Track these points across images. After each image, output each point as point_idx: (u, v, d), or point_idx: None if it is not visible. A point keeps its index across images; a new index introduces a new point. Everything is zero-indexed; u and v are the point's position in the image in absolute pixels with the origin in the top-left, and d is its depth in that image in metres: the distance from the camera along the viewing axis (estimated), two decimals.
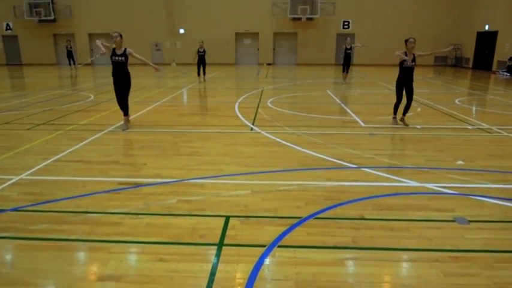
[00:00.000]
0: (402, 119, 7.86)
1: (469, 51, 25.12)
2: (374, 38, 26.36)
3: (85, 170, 5.17)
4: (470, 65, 24.75)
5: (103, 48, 7.08)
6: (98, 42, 7.29)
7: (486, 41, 23.26)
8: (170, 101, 11.26)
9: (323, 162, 5.50)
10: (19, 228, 3.60)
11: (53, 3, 26.98)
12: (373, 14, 26.16)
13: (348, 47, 15.50)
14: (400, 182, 4.76)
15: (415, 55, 7.63)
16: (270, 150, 6.08)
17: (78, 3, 27.11)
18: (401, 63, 7.60)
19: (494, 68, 22.06)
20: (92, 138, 6.85)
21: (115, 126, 7.78)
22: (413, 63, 7.59)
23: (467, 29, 25.03)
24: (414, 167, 5.31)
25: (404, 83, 7.68)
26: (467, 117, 8.84)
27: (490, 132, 7.43)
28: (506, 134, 7.31)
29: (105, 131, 7.37)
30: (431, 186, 4.63)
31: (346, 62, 15.66)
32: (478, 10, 24.00)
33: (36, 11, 26.95)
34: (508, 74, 19.83)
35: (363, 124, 8.04)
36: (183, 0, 26.71)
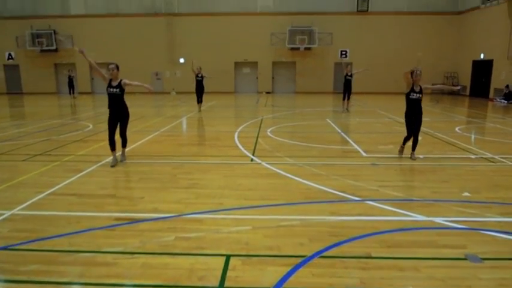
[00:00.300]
0: (411, 155, 7.48)
1: (465, 79, 25.41)
2: (371, 66, 26.52)
3: (80, 205, 5.00)
4: (467, 93, 24.98)
5: (84, 52, 7.12)
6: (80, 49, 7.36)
7: (482, 69, 23.57)
8: (169, 130, 11.19)
9: (326, 194, 5.35)
10: (8, 270, 3.40)
11: (55, 33, 27.46)
12: (369, 43, 26.63)
13: (349, 73, 15.36)
14: (406, 216, 4.60)
15: (422, 87, 7.32)
16: (271, 182, 5.93)
17: (79, 33, 27.58)
18: (407, 94, 7.30)
19: (491, 95, 22.24)
20: (89, 169, 6.71)
21: (112, 157, 7.64)
22: (419, 95, 7.25)
23: (463, 57, 25.44)
24: (420, 200, 5.15)
25: (412, 116, 7.31)
26: (469, 146, 8.76)
27: (493, 162, 7.32)
28: (510, 163, 7.19)
29: (103, 162, 7.24)
30: (439, 220, 4.46)
31: (347, 89, 15.41)
32: (472, 39, 24.46)
33: (38, 41, 27.38)
34: (506, 101, 19.96)
35: (364, 154, 7.92)
36: (183, 30, 27.22)
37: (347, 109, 15.76)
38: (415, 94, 7.25)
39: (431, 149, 8.47)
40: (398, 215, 4.61)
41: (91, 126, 11.85)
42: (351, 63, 15.91)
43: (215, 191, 5.55)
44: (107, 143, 9.07)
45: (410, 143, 7.53)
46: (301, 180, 5.98)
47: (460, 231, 4.19)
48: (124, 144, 7.34)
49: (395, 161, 7.41)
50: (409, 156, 7.52)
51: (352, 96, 16.42)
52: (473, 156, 7.73)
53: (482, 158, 7.65)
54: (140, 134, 10.32)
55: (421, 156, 7.71)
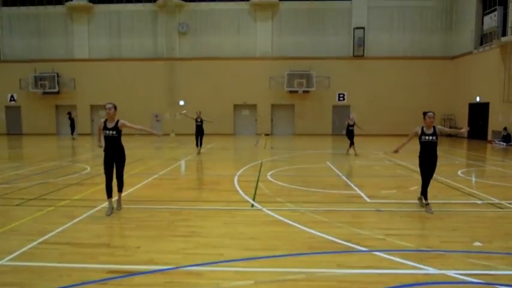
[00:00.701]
0: (419, 199, 7.20)
1: (462, 122, 25.65)
2: (369, 108, 27.09)
3: (72, 255, 4.74)
4: (465, 135, 25.11)
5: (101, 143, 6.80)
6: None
7: (479, 112, 23.86)
8: (168, 173, 11.02)
9: (330, 244, 5.11)
10: None
11: (58, 76, 27.98)
12: (366, 86, 27.15)
13: (351, 123, 15.53)
14: (417, 268, 4.35)
15: (436, 128, 6.92)
16: (273, 231, 5.70)
17: (82, 76, 28.11)
18: (420, 137, 7.01)
19: (489, 137, 22.34)
20: (84, 215, 6.47)
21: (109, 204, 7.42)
22: (433, 137, 6.85)
23: (459, 100, 25.83)
24: (430, 250, 4.91)
25: (426, 159, 6.92)
26: (474, 191, 8.59)
27: (501, 208, 7.13)
28: None
29: (99, 207, 7.01)
30: (452, 273, 4.21)
31: (350, 138, 15.53)
32: (467, 83, 24.97)
33: (41, 84, 27.83)
34: (505, 144, 20.01)
35: (368, 199, 7.73)
36: (184, 73, 27.79)
37: (355, 154, 15.45)
38: (426, 137, 6.89)
39: (436, 194, 8.27)
40: (409, 268, 4.36)
41: (89, 168, 11.68)
42: (353, 115, 16.24)
43: (215, 239, 5.31)
44: (103, 186, 8.92)
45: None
46: (304, 228, 5.75)
47: (476, 285, 3.94)
48: (120, 189, 6.94)
49: (399, 206, 7.21)
50: (418, 199, 7.23)
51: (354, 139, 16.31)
52: (479, 202, 7.55)
53: (488, 203, 7.46)
54: (138, 177, 10.14)
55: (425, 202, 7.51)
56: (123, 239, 5.47)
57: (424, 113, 7.04)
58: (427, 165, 6.93)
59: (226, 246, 5.03)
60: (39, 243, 5.16)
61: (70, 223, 6.04)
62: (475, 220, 6.33)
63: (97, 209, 6.92)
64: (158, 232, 5.61)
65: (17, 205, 7.23)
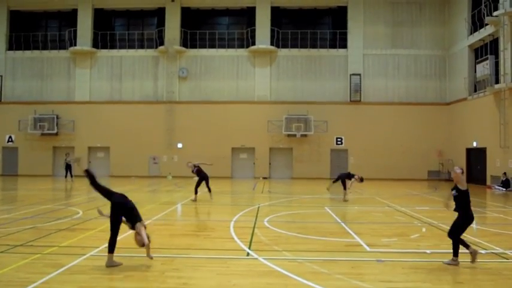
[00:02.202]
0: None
1: (461, 166, 25.56)
2: (367, 153, 27.14)
3: None
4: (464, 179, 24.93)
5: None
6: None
7: (476, 157, 23.88)
8: (162, 218, 10.72)
9: None
10: None
11: (57, 118, 28.19)
12: (364, 130, 27.36)
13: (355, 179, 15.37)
14: None
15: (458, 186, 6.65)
16: (269, 283, 5.39)
17: (81, 118, 28.34)
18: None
19: (488, 182, 22.19)
20: (71, 264, 6.16)
21: (99, 249, 7.12)
22: (456, 192, 6.65)
23: (456, 145, 25.96)
24: None
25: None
26: (476, 239, 8.30)
27: (506, 258, 6.85)
28: None
29: (87, 255, 6.70)
30: None
31: (343, 184, 15.43)
32: (463, 128, 25.22)
33: (40, 125, 27.97)
34: (504, 189, 19.83)
35: (367, 248, 7.44)
36: (183, 116, 28.06)
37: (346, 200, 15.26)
38: (453, 191, 6.70)
39: (437, 243, 8.01)
40: None
41: (81, 213, 11.37)
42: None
43: None
44: (94, 232, 8.64)
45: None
46: (301, 280, 5.45)
47: None
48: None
49: (401, 256, 6.92)
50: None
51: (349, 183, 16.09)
52: (483, 252, 7.26)
53: (492, 253, 7.18)
54: None
55: (428, 251, 7.25)
56: None
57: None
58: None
59: None
60: None
61: (55, 273, 5.73)
62: (481, 272, 6.04)
63: (85, 256, 6.61)
64: (147, 284, 5.31)
65: (1, 252, 6.91)
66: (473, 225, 10.49)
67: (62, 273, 5.74)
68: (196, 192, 14.47)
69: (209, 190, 14.53)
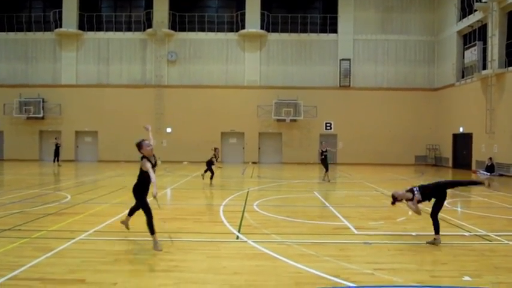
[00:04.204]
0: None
1: (447, 151, 26.05)
2: (356, 137, 27.39)
3: None
4: (450, 164, 25.44)
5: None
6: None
7: (462, 142, 24.29)
8: (152, 203, 10.68)
9: (318, 280, 4.91)
10: None
11: (43, 102, 27.66)
12: (353, 116, 27.52)
13: (324, 150, 16.59)
14: None
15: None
16: (258, 265, 5.47)
17: (68, 102, 27.85)
18: None
19: (473, 167, 22.63)
20: (60, 248, 6.14)
21: (88, 233, 7.12)
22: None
23: (443, 130, 26.32)
24: (420, 286, 4.75)
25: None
26: (461, 222, 8.52)
27: (489, 240, 7.05)
28: (506, 242, 6.93)
29: (76, 239, 6.69)
30: None
31: (324, 164, 16.46)
32: (451, 114, 25.55)
33: (25, 109, 27.43)
34: (488, 174, 20.23)
35: (355, 231, 7.57)
36: (172, 101, 27.80)
37: (328, 179, 16.23)
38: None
39: (423, 225, 8.17)
40: None
41: (69, 197, 11.29)
42: (325, 143, 17.84)
43: (197, 275, 5.06)
44: (83, 216, 8.60)
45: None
46: (290, 262, 5.55)
47: None
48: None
49: (387, 239, 7.07)
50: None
51: (339, 167, 16.47)
52: (467, 234, 7.47)
53: (476, 235, 7.39)
54: (120, 206, 9.80)
55: (413, 234, 7.42)
56: (99, 274, 5.15)
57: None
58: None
59: (208, 282, 4.79)
60: (8, 279, 4.83)
61: (44, 256, 5.71)
62: (464, 253, 6.22)
63: (74, 240, 6.60)
64: (137, 267, 5.34)
65: None
66: (459, 208, 10.76)
67: (52, 257, 5.73)
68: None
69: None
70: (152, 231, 6.15)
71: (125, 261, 5.55)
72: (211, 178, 14.76)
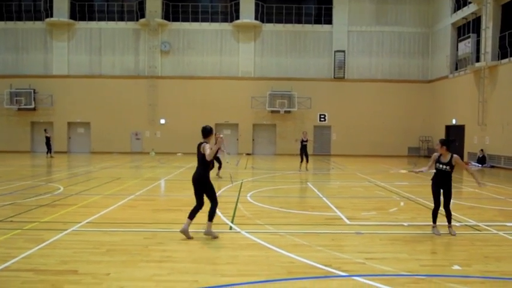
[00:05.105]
0: (449, 230, 6.79)
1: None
2: (350, 129, 27.48)
3: (35, 284, 4.43)
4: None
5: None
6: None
7: (455, 134, 24.47)
8: (145, 194, 10.70)
9: (310, 269, 4.95)
10: None
11: (35, 92, 27.34)
12: (347, 107, 27.57)
13: (305, 139, 17.03)
14: None
15: (453, 159, 6.73)
16: (251, 255, 5.50)
17: (60, 93, 27.55)
18: (435, 163, 6.92)
19: (465, 159, 22.83)
20: (52, 239, 6.13)
21: (80, 224, 7.10)
22: (446, 167, 6.72)
23: (436, 122, 26.48)
24: (410, 275, 4.82)
25: (439, 185, 6.86)
26: (452, 213, 8.60)
27: (478, 230, 7.15)
28: (495, 231, 7.03)
29: (69, 230, 6.67)
30: None
31: (304, 154, 16.94)
32: (444, 106, 25.67)
33: (17, 100, 27.10)
34: (480, 165, 20.47)
35: (347, 221, 7.64)
36: (165, 92, 27.63)
37: (306, 169, 16.82)
38: (440, 165, 6.84)
39: (415, 216, 8.29)
40: None
41: (62, 188, 11.24)
42: (306, 132, 18.43)
43: (190, 265, 5.08)
44: (76, 207, 8.58)
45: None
46: (283, 252, 5.59)
47: None
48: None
49: (379, 229, 7.14)
50: (448, 231, 6.79)
51: (334, 159, 16.57)
52: (457, 224, 7.56)
53: (466, 225, 7.49)
54: (113, 198, 9.79)
55: (405, 224, 7.50)
56: (92, 265, 5.16)
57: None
58: (438, 192, 6.87)
59: (201, 272, 4.81)
60: (0, 270, 4.81)
61: (36, 248, 5.70)
62: (454, 243, 6.31)
63: (67, 232, 6.58)
64: (130, 257, 5.34)
65: None
66: (453, 200, 10.85)
67: (44, 248, 5.72)
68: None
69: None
70: (212, 218, 6.28)
71: (117, 252, 5.55)
72: (219, 168, 14.32)
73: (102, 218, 7.61)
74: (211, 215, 6.28)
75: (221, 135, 7.19)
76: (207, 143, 6.31)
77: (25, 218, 7.60)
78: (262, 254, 5.54)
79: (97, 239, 6.26)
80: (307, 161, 16.88)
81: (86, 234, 6.55)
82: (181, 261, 5.20)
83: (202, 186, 6.35)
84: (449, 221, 6.85)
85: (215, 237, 6.22)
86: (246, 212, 8.35)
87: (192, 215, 6.33)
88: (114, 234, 6.51)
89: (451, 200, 6.93)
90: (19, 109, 27.36)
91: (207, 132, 6.43)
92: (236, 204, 9.10)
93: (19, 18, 28.06)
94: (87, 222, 7.23)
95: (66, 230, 6.69)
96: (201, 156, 6.27)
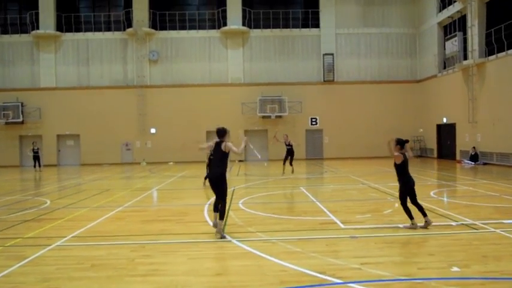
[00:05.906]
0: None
1: (431, 142, 26.27)
2: (341, 132, 27.39)
3: None
4: (435, 155, 25.66)
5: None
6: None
7: (446, 132, 24.51)
8: (134, 205, 10.42)
9: (304, 278, 4.74)
10: None
11: (22, 106, 26.90)
12: (337, 110, 27.48)
13: (287, 143, 17.16)
14: None
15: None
16: (242, 265, 5.28)
17: (48, 105, 27.12)
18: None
19: (457, 157, 22.85)
20: (34, 256, 5.85)
21: (66, 238, 6.82)
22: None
23: (427, 121, 26.47)
24: (408, 279, 4.63)
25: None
26: (447, 212, 8.49)
27: (475, 229, 7.00)
28: (492, 229, 6.89)
29: (53, 245, 6.39)
30: None
31: (291, 155, 17.02)
32: (434, 105, 25.73)
33: (4, 114, 26.62)
34: (473, 163, 20.47)
35: (342, 225, 7.45)
36: (155, 101, 27.33)
37: (292, 171, 16.92)
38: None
39: None
40: None
41: (48, 202, 10.91)
42: (286, 135, 18.46)
43: (177, 277, 4.84)
44: (62, 222, 8.28)
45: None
46: (275, 261, 5.37)
47: None
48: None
49: (374, 232, 6.96)
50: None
51: (327, 162, 16.46)
52: (454, 224, 7.42)
53: (463, 224, 7.34)
54: (100, 210, 9.50)
55: (400, 225, 7.33)
56: (74, 281, 4.89)
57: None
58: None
59: (189, 285, 4.58)
60: None
61: (17, 265, 5.42)
62: (451, 244, 6.14)
63: (51, 247, 6.30)
64: (115, 272, 5.08)
65: None
66: (445, 198, 10.75)
67: (25, 265, 5.44)
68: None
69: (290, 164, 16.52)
70: (223, 217, 6.66)
71: (102, 267, 5.30)
72: (205, 178, 13.97)
73: (89, 232, 7.33)
74: (223, 214, 6.63)
75: (245, 137, 7.53)
76: (224, 141, 6.93)
77: (8, 234, 7.30)
78: (254, 264, 5.32)
79: (81, 253, 6.00)
80: (290, 164, 16.83)
81: (71, 249, 6.28)
82: (169, 274, 4.96)
83: (220, 183, 6.84)
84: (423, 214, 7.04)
85: (223, 238, 6.46)
86: (238, 219, 8.13)
87: (216, 208, 6.77)
88: (100, 248, 6.25)
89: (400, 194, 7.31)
90: (7, 123, 26.85)
91: (223, 133, 7.16)
92: (227, 212, 8.86)
93: (5, 32, 27.66)
94: (72, 237, 6.96)
95: (50, 245, 6.41)
96: (221, 155, 6.91)
